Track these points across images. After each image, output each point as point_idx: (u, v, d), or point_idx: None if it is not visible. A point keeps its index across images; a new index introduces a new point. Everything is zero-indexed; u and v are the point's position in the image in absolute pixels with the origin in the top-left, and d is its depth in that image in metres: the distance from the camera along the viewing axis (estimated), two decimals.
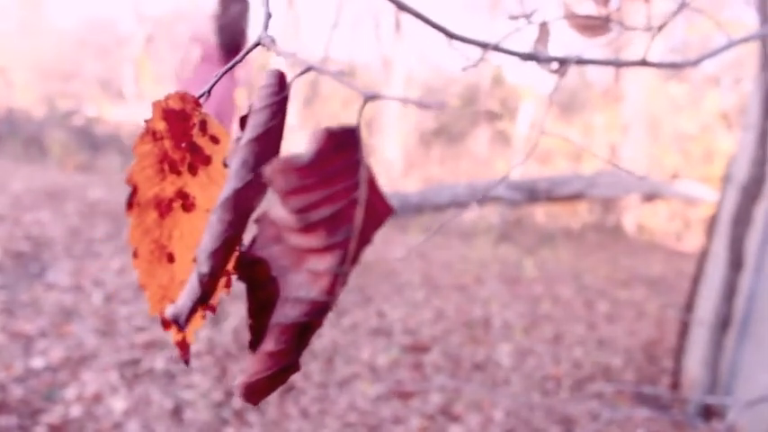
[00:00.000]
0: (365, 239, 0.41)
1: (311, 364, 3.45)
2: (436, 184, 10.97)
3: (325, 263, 0.39)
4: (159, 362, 3.13)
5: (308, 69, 0.42)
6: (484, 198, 8.04)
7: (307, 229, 0.38)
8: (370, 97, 0.36)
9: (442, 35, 0.73)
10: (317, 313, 0.41)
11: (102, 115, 11.69)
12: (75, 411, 2.62)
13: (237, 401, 2.93)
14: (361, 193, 0.38)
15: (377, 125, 12.46)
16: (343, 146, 0.38)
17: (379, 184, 0.40)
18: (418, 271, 5.59)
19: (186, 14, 13.67)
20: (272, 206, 0.39)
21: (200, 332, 3.46)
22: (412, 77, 14.03)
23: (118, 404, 2.72)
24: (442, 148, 13.68)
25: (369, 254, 5.73)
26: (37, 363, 2.92)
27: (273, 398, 3.02)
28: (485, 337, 4.24)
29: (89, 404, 2.69)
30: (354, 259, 0.41)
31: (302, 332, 0.42)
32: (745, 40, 0.99)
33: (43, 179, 6.69)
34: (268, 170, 0.36)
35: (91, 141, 9.79)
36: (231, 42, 4.77)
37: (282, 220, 0.39)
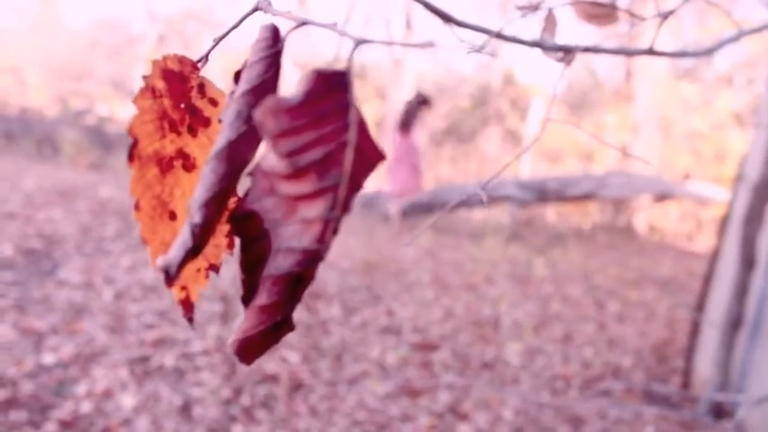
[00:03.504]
0: (356, 185, 0.40)
1: (320, 361, 3.45)
2: (447, 183, 10.96)
3: (315, 209, 0.39)
4: (169, 359, 3.14)
5: (302, 24, 0.42)
6: (492, 196, 8.03)
7: (297, 174, 0.38)
8: (361, 42, 0.36)
9: (444, 22, 0.73)
10: (308, 263, 0.40)
11: (113, 114, 11.77)
12: (85, 407, 2.63)
13: (246, 399, 2.94)
14: (351, 136, 0.38)
15: (386, 125, 12.46)
16: (333, 87, 0.37)
17: (370, 129, 0.39)
18: (428, 270, 5.59)
19: (197, 14, 13.71)
20: (264, 156, 0.38)
21: (209, 330, 3.48)
22: (423, 77, 14.02)
23: (127, 400, 2.73)
24: (452, 147, 13.67)
25: (378, 253, 5.74)
26: (48, 359, 2.94)
27: (282, 395, 3.03)
28: (494, 336, 4.23)
29: (99, 400, 2.70)
30: (345, 206, 0.40)
31: (294, 283, 0.41)
32: (757, 30, 0.98)
33: (55, 178, 6.74)
34: (259, 111, 0.36)
35: (102, 140, 9.85)
36: (407, 121, 7.48)
37: (273, 167, 0.38)
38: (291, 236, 0.40)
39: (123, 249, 4.60)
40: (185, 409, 2.78)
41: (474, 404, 3.25)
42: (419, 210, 8.12)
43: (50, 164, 8.38)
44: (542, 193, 8.66)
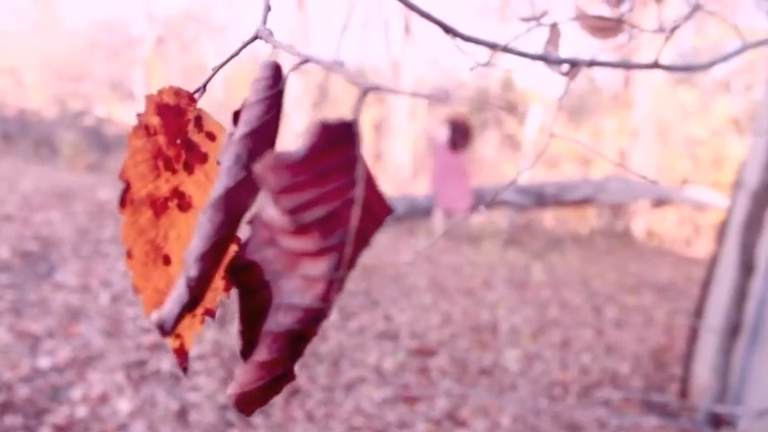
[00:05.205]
0: (362, 242, 0.38)
1: (317, 367, 3.44)
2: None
3: (319, 267, 0.37)
4: (165, 363, 3.13)
5: (305, 61, 0.40)
6: (492, 202, 8.05)
7: (300, 230, 0.36)
8: (369, 89, 0.34)
9: (450, 36, 0.72)
10: (310, 321, 0.38)
11: (112, 116, 11.76)
12: (81, 412, 2.62)
13: None
14: (358, 193, 0.36)
15: (386, 128, 12.45)
16: (339, 141, 0.35)
17: (377, 183, 0.37)
18: (425, 274, 5.58)
19: (196, 16, 13.71)
20: (264, 206, 0.36)
21: (205, 335, 3.46)
22: (421, 81, 14.03)
23: (123, 405, 2.72)
24: None
25: (376, 257, 5.72)
26: (43, 363, 2.92)
27: (279, 401, 3.01)
28: (492, 342, 4.22)
29: (95, 405, 2.69)
30: (351, 263, 0.38)
31: (296, 341, 0.40)
32: (760, 44, 0.97)
33: (53, 179, 6.72)
34: (259, 167, 0.34)
35: (101, 142, 9.84)
36: (457, 140, 7.73)
37: (274, 221, 0.36)
38: (293, 291, 0.38)
39: (120, 252, 4.58)
40: (182, 414, 2.76)
41: (472, 411, 3.24)
42: (417, 213, 8.11)
43: (48, 165, 8.37)
44: (540, 198, 8.65)
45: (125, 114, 12.00)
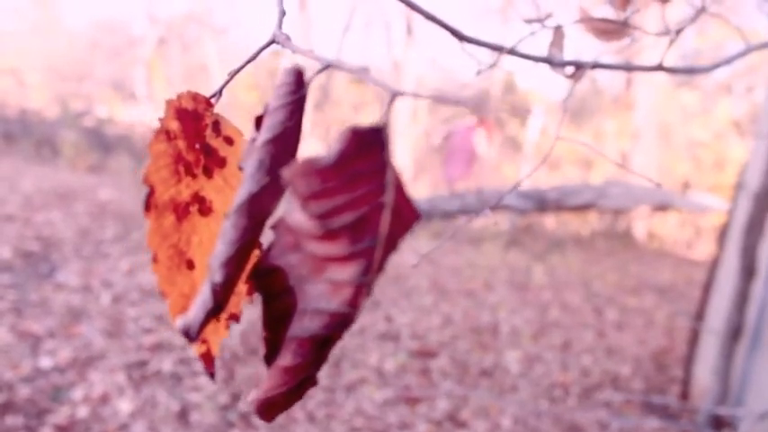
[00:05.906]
0: (391, 247, 0.38)
1: None
2: (445, 191, 10.93)
3: (347, 272, 0.36)
4: (166, 364, 3.13)
5: (328, 66, 0.40)
6: (494, 206, 8.07)
7: (328, 236, 0.36)
8: (397, 94, 0.34)
9: (454, 38, 0.72)
10: (337, 326, 0.38)
11: (113, 116, 11.76)
12: (82, 412, 2.62)
13: (244, 405, 2.92)
14: (388, 198, 0.36)
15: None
16: (368, 146, 0.35)
17: (406, 188, 0.37)
18: (427, 276, 5.58)
19: (198, 16, 13.71)
20: (290, 211, 0.36)
21: None
22: (423, 82, 14.03)
23: (124, 405, 2.72)
24: None
25: None
26: (44, 363, 2.92)
27: None
28: (493, 344, 4.22)
29: (96, 405, 2.69)
30: (379, 268, 0.37)
31: (321, 346, 0.39)
32: (763, 46, 0.97)
33: (54, 179, 6.72)
34: (288, 172, 0.34)
35: (102, 142, 9.84)
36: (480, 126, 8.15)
37: (301, 227, 0.36)
38: (319, 296, 0.38)
39: (122, 252, 4.58)
40: (183, 415, 2.76)
41: (472, 412, 3.24)
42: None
43: (49, 165, 8.37)
44: (542, 203, 8.66)
45: (126, 115, 12.01)
